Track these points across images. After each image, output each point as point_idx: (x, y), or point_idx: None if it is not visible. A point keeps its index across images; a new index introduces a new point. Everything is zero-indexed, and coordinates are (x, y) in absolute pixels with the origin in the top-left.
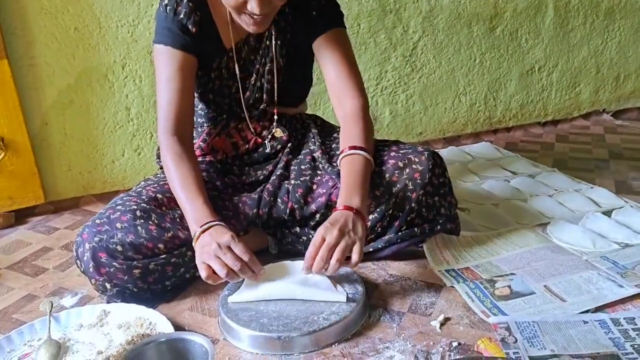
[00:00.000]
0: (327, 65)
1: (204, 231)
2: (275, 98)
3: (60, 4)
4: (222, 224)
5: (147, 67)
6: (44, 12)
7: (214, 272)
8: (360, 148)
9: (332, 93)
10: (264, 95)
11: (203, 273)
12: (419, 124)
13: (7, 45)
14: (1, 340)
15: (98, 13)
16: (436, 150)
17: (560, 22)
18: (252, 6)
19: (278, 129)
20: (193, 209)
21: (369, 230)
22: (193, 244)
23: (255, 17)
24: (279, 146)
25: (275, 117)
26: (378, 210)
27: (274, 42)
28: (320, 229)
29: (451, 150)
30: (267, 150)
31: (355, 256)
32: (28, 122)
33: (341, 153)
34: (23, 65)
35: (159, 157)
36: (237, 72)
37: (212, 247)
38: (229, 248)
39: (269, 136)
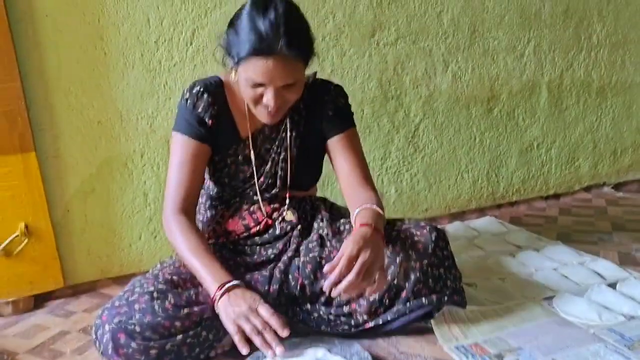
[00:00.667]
0: (340, 163)
1: (227, 290)
2: (288, 184)
3: (86, 100)
4: (243, 284)
5: (164, 155)
6: (70, 109)
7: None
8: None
9: (346, 189)
10: (277, 181)
11: (233, 331)
12: (424, 200)
13: (35, 139)
14: None
15: (120, 107)
16: (440, 227)
17: (555, 101)
18: (268, 99)
19: (289, 212)
20: (210, 271)
21: (377, 303)
22: (215, 304)
23: (270, 109)
24: (289, 227)
25: (287, 200)
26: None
27: (289, 133)
28: (343, 245)
29: (456, 225)
30: (277, 232)
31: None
32: (51, 209)
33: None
34: (48, 156)
35: None
36: (253, 159)
37: (241, 308)
38: (257, 310)
39: (280, 218)
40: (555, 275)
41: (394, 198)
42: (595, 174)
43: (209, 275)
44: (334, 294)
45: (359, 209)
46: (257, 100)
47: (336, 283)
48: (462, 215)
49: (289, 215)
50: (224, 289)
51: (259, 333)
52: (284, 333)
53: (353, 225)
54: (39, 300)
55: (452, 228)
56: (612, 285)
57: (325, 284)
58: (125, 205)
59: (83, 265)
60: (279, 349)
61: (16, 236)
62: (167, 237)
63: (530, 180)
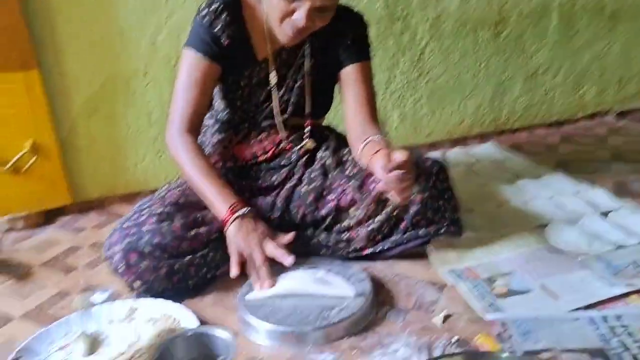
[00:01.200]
0: (350, 96)
1: (240, 217)
2: (306, 111)
3: (87, 16)
4: (254, 211)
5: (168, 74)
6: (71, 24)
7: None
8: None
9: (351, 123)
10: (289, 108)
11: (233, 257)
12: (427, 126)
13: (38, 56)
14: (41, 333)
15: (122, 23)
16: (441, 152)
17: (564, 26)
18: (299, 16)
19: (309, 141)
20: (220, 193)
21: (376, 231)
22: (226, 227)
23: (296, 27)
24: (293, 157)
25: (308, 128)
26: (384, 212)
27: (307, 60)
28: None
29: (456, 152)
30: (283, 162)
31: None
32: (57, 127)
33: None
34: (52, 73)
35: None
36: (273, 81)
37: (249, 242)
38: (262, 246)
39: (298, 147)
40: (550, 203)
41: (397, 123)
42: (599, 101)
43: (219, 198)
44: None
45: (368, 140)
46: (286, 15)
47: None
48: (463, 141)
49: (310, 144)
50: (237, 214)
51: (255, 269)
52: (288, 261)
53: (358, 159)
54: (50, 216)
55: (452, 155)
56: (605, 215)
57: (381, 185)
58: (129, 125)
59: (90, 183)
60: (265, 283)
61: (24, 153)
62: (172, 156)
63: (533, 107)
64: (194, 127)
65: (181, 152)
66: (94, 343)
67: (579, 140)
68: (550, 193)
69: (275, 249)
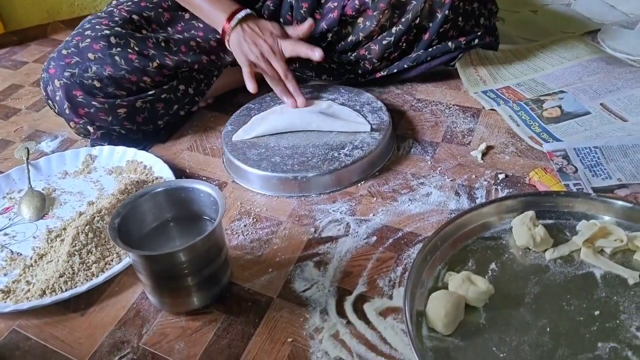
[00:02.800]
0: None
1: (240, 22)
2: None
3: None
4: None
5: None
6: None
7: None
8: None
9: None
10: None
11: (246, 70)
12: None
13: None
14: None
15: None
16: None
17: None
18: None
19: None
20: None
21: (392, 46)
22: (226, 39)
23: None
24: None
25: None
26: (403, 20)
27: None
28: None
29: None
30: None
31: None
32: None
33: None
34: None
35: None
36: None
37: (261, 46)
38: (279, 50)
39: None
40: (598, 3)
41: None
42: None
43: (211, 4)
44: None
45: None
46: None
47: None
48: None
49: None
50: (235, 19)
51: (280, 80)
52: (317, 55)
53: None
54: None
55: None
56: None
57: None
58: None
59: (24, 7)
60: (300, 100)
61: None
62: None
63: None
64: None
65: None
66: (43, 203)
67: None
68: None
69: (296, 45)
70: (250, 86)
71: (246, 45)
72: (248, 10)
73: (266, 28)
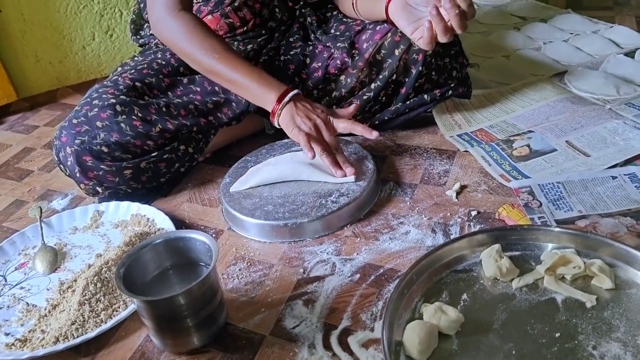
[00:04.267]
0: None
1: (290, 100)
2: None
3: None
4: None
5: None
6: None
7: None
8: None
9: None
10: None
11: (304, 141)
12: None
13: None
14: None
15: None
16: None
17: None
18: None
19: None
20: (261, 77)
21: (372, 101)
22: (276, 118)
23: None
24: (276, 25)
25: None
26: (380, 76)
27: None
28: None
29: None
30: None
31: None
32: None
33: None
34: None
35: (135, 34)
36: None
37: (314, 120)
38: (329, 122)
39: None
40: (566, 47)
41: None
42: None
43: (257, 83)
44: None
45: None
46: None
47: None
48: None
49: None
50: (288, 97)
51: (331, 153)
52: (373, 135)
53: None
54: None
55: None
56: (631, 55)
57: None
58: (67, 0)
59: (34, 74)
60: (349, 170)
61: None
62: (167, 43)
63: None
64: (187, 2)
65: (176, 32)
66: (55, 257)
67: None
68: (564, 35)
69: (353, 125)
70: (309, 154)
71: (299, 118)
72: (297, 90)
73: (317, 106)
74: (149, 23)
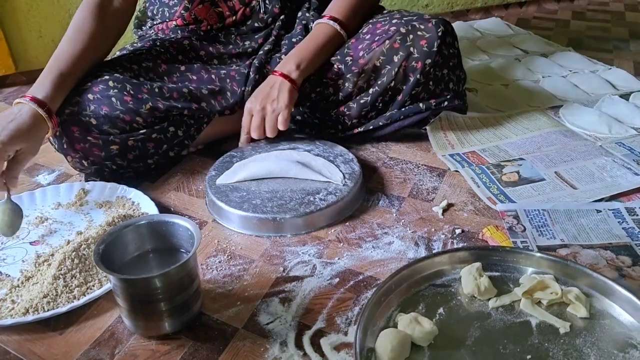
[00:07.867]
0: None
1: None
2: None
3: None
4: None
5: None
6: None
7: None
8: (334, 19)
9: None
10: None
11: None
12: None
13: None
14: None
15: None
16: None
17: None
18: None
19: None
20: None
21: (368, 106)
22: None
23: None
24: (270, 19)
25: None
26: (379, 82)
27: None
28: (248, 101)
29: (459, 25)
30: (256, 24)
31: (280, 126)
32: None
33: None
34: None
35: (138, 27)
36: None
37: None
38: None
39: (260, 6)
40: (564, 83)
41: None
42: None
43: None
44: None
45: (316, 24)
46: None
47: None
48: (465, 14)
49: None
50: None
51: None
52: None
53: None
54: None
55: (454, 27)
56: (625, 97)
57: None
58: None
59: (35, 50)
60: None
61: None
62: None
63: None
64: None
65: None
66: (18, 213)
67: (593, 16)
68: (563, 72)
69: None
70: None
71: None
72: None
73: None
74: (152, 21)
